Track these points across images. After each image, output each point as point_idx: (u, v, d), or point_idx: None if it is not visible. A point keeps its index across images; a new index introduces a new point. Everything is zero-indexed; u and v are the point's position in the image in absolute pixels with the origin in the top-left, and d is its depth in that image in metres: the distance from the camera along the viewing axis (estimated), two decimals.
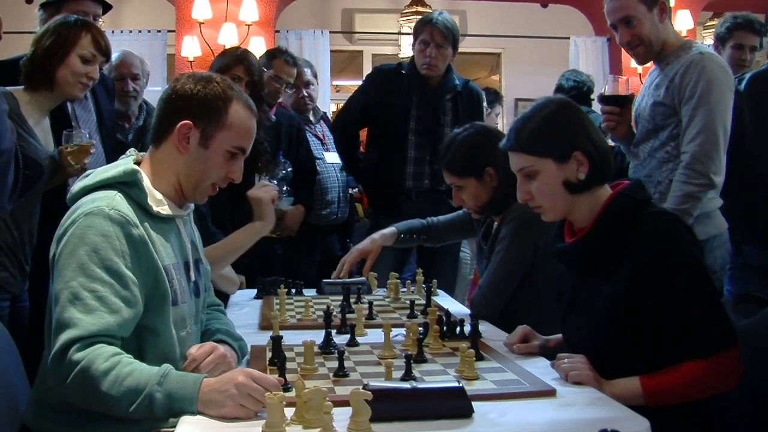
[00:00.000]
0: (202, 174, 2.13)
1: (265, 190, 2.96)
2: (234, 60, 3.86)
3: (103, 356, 1.82)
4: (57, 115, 3.20)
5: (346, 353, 2.22)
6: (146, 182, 2.08)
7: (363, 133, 4.86)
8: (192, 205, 2.29)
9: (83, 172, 2.64)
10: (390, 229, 3.39)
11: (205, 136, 2.10)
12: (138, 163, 2.17)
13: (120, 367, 1.82)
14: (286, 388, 1.86)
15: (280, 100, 4.89)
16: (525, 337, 2.39)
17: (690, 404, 2.05)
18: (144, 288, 1.99)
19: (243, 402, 1.75)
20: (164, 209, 2.10)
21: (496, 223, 3.11)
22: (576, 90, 5.60)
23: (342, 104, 9.38)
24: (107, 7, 3.79)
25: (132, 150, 2.23)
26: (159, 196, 2.10)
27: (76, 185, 2.12)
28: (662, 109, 3.20)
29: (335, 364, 2.07)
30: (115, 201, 1.99)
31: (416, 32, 4.33)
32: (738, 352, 2.03)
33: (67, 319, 1.86)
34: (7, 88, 2.92)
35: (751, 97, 3.58)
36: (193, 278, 2.20)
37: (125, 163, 2.12)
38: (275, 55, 4.59)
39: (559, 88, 5.73)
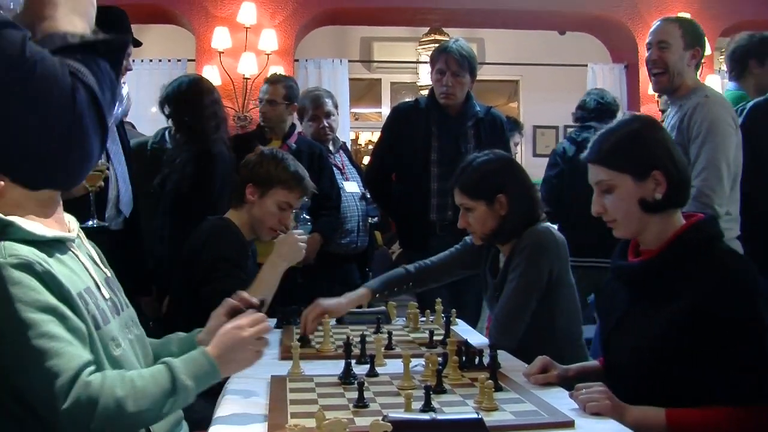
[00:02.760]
0: None
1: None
2: None
3: (109, 384, 1.83)
4: None
5: (366, 384, 2.21)
6: (15, 218, 1.92)
7: None
8: (75, 229, 2.16)
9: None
10: (361, 290, 3.28)
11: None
12: None
13: (132, 384, 1.85)
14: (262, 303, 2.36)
15: (300, 129, 4.95)
16: (544, 367, 2.39)
17: None
18: None
19: (257, 347, 2.06)
20: (49, 232, 1.96)
21: (502, 255, 3.12)
22: (596, 112, 5.47)
23: (360, 132, 9.43)
24: (136, 44, 3.84)
25: None
26: (36, 224, 1.95)
27: None
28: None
29: (355, 394, 2.07)
30: (7, 248, 1.86)
31: (432, 61, 4.35)
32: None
33: (44, 375, 1.78)
34: None
35: (745, 127, 3.75)
36: (107, 296, 2.11)
37: None
38: (265, 82, 4.84)
39: (582, 107, 5.62)
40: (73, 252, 2.07)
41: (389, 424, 1.59)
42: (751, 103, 3.97)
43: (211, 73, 7.35)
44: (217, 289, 2.91)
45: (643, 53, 3.69)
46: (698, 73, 3.69)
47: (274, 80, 4.80)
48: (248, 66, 7.36)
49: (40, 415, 1.82)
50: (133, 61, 7.68)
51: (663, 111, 6.23)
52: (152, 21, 8.28)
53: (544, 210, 3.04)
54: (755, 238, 3.64)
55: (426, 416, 1.81)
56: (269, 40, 7.42)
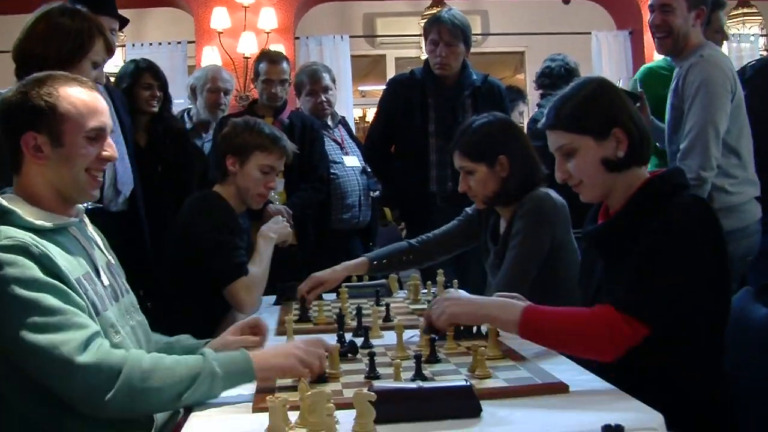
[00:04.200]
0: (71, 169, 2.02)
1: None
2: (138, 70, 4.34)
3: (135, 356, 1.83)
4: None
5: (359, 355, 2.20)
6: (17, 204, 1.95)
7: None
8: (81, 210, 2.17)
9: None
10: (359, 259, 3.32)
11: (53, 137, 1.99)
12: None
13: (161, 360, 1.85)
14: None
15: (298, 106, 4.91)
16: None
17: (708, 398, 2.02)
18: None
19: (304, 360, 1.93)
20: (46, 223, 1.96)
21: (502, 220, 3.08)
22: (564, 78, 5.23)
23: (368, 109, 9.36)
24: (124, 22, 3.80)
25: None
26: (36, 211, 1.97)
27: None
28: (674, 111, 3.30)
29: (351, 366, 2.08)
30: (2, 231, 1.87)
31: (425, 32, 4.31)
32: (639, 340, 1.98)
33: (53, 347, 1.76)
34: (2, 91, 2.82)
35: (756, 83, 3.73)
36: (107, 282, 2.10)
37: None
38: (259, 60, 4.71)
39: (547, 74, 5.47)
40: (73, 235, 2.07)
41: (373, 394, 1.54)
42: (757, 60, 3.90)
43: (211, 54, 7.33)
44: (230, 262, 3.03)
45: (648, 19, 3.60)
46: (704, 29, 3.59)
47: (276, 59, 4.70)
48: (248, 45, 7.33)
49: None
50: (133, 45, 7.76)
51: None
52: (151, 4, 8.28)
53: (545, 172, 2.98)
54: None
55: (413, 385, 1.78)
56: (268, 18, 7.38)
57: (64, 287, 1.85)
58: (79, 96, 2.03)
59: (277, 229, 3.29)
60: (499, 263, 2.99)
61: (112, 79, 4.34)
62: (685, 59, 3.46)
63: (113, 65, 6.17)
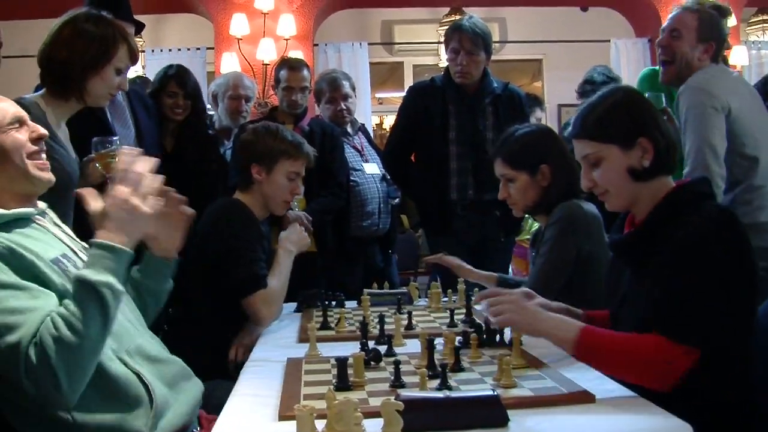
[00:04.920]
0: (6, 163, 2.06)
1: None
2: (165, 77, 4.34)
3: (50, 326, 1.79)
4: (96, 129, 3.14)
5: (383, 363, 2.20)
6: None
7: None
8: (45, 206, 2.20)
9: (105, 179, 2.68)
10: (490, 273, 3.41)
11: None
12: None
13: (68, 311, 1.81)
14: None
15: (318, 113, 4.91)
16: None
17: (735, 409, 2.00)
18: None
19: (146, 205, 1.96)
20: (8, 211, 2.00)
21: (543, 227, 3.10)
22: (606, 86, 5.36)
23: (385, 117, 9.38)
24: (140, 27, 3.81)
25: None
26: None
27: None
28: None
29: (374, 374, 2.08)
30: None
31: (446, 40, 4.30)
32: (693, 364, 1.95)
33: (6, 350, 1.77)
34: (27, 96, 2.84)
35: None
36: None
37: None
38: (280, 67, 4.73)
39: (590, 81, 5.56)
40: (40, 224, 2.10)
41: (401, 403, 1.54)
42: None
43: (230, 60, 7.35)
44: (250, 273, 3.01)
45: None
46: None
47: (297, 66, 4.70)
48: (267, 52, 7.35)
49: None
50: (152, 51, 7.80)
51: None
52: (170, 10, 8.31)
53: None
54: None
55: (440, 394, 1.77)
56: (288, 25, 7.40)
57: (25, 283, 1.86)
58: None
59: (296, 240, 3.24)
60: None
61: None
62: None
63: (133, 71, 6.19)
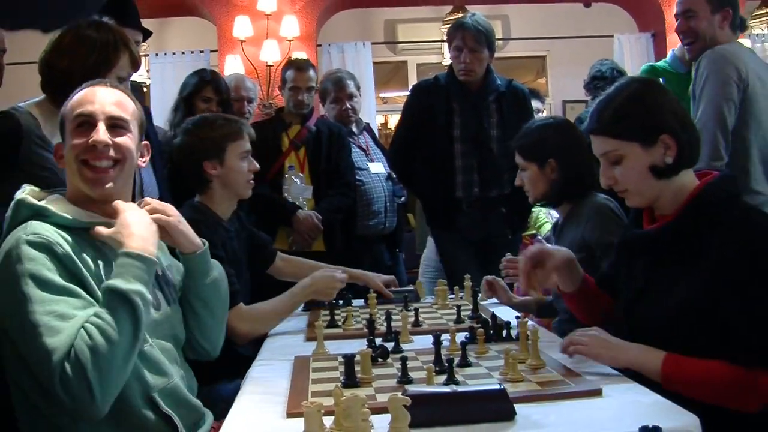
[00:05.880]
0: (69, 164, 2.10)
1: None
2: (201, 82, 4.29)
3: (85, 336, 1.80)
4: None
5: (390, 360, 2.21)
6: (56, 202, 2.04)
7: None
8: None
9: None
10: None
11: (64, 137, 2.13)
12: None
13: (98, 325, 1.82)
14: None
15: (323, 113, 4.92)
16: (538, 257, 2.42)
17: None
18: None
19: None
20: (82, 220, 2.03)
21: (560, 219, 3.15)
22: (614, 80, 5.34)
23: (390, 116, 9.38)
24: (147, 34, 3.79)
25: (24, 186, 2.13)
26: (74, 210, 2.05)
27: None
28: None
29: (382, 371, 2.08)
30: (32, 227, 1.92)
31: (449, 38, 4.30)
32: None
33: (44, 352, 1.79)
34: (21, 105, 2.80)
35: None
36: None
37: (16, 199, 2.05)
38: (286, 68, 4.75)
39: (599, 77, 5.56)
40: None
41: (408, 398, 1.55)
42: None
43: (234, 62, 7.36)
44: None
45: (670, 20, 3.64)
46: (736, 31, 3.60)
47: (303, 66, 4.71)
48: (271, 53, 7.37)
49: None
50: (156, 54, 7.81)
51: None
52: (173, 14, 8.32)
53: None
54: None
55: (446, 389, 1.77)
56: (291, 26, 7.41)
57: (76, 289, 1.89)
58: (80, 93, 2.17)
59: (321, 288, 3.05)
60: None
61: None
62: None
63: (137, 76, 6.21)
